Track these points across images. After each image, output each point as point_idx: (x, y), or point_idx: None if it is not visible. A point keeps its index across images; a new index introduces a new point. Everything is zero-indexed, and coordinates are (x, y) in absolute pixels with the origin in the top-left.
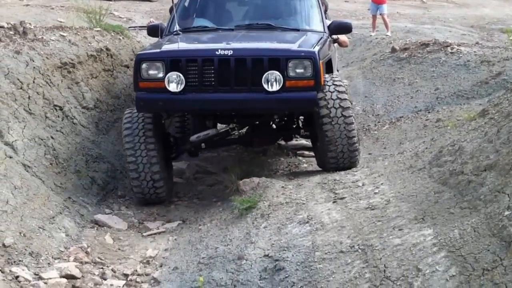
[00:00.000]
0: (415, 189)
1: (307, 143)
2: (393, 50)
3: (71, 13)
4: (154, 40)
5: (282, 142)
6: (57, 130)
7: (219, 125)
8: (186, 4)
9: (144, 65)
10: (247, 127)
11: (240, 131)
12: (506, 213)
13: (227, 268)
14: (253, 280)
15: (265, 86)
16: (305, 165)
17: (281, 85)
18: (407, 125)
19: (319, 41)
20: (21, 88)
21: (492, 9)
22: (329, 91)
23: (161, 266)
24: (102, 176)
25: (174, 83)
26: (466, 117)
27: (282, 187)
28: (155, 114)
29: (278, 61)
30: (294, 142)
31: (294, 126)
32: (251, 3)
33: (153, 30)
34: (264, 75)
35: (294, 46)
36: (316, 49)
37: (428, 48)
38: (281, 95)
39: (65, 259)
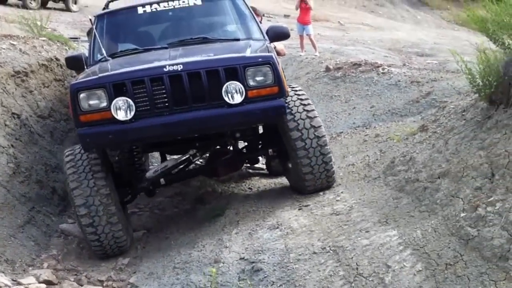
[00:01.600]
0: (374, 196)
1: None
2: (327, 69)
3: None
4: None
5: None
6: (16, 139)
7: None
8: (104, 29)
9: (82, 95)
10: (208, 154)
11: (202, 157)
12: (462, 215)
13: (204, 271)
14: (233, 281)
15: (226, 99)
16: (257, 177)
17: (243, 96)
18: (348, 140)
19: (267, 47)
20: None
21: (406, 32)
22: (292, 100)
23: (135, 273)
24: (62, 186)
25: (122, 110)
26: (408, 132)
27: (244, 196)
28: (101, 152)
29: (236, 70)
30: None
31: (260, 146)
32: (176, 19)
33: (74, 62)
34: (223, 88)
35: (247, 53)
36: (272, 53)
37: (361, 68)
38: (245, 107)
39: (39, 266)
